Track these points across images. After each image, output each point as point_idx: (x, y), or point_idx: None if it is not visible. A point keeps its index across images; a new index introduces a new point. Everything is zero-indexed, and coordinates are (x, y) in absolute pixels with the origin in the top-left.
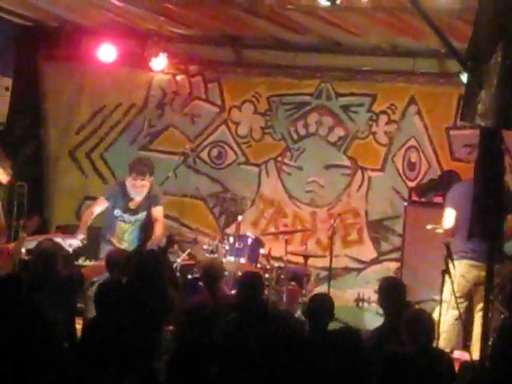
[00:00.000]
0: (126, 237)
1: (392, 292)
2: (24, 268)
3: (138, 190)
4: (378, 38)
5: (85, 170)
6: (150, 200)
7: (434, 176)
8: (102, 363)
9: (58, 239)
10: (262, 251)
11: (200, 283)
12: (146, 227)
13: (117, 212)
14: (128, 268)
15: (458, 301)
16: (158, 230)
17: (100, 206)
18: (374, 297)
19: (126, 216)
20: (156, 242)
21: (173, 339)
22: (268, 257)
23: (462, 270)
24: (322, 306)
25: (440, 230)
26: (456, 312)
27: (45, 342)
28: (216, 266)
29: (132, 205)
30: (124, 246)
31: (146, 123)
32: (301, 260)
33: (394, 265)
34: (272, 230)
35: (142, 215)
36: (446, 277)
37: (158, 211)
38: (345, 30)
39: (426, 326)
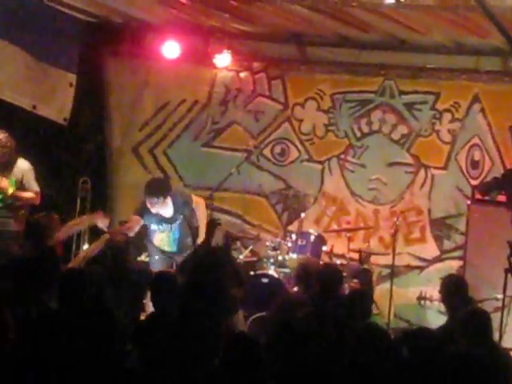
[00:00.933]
0: (165, 244)
1: (455, 290)
2: (95, 262)
3: (155, 208)
4: (442, 36)
5: (148, 166)
6: (181, 208)
7: (497, 174)
8: (159, 361)
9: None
10: (324, 248)
11: (263, 280)
12: (208, 228)
13: (153, 226)
14: (186, 266)
15: None
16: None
17: (137, 224)
18: (437, 295)
19: (162, 226)
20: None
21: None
22: (330, 254)
23: None
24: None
25: None
26: None
27: (111, 340)
28: (313, 265)
29: (161, 217)
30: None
31: (209, 120)
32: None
33: (457, 263)
34: (334, 227)
35: (177, 223)
36: None
37: (199, 211)
38: (409, 27)
39: (483, 324)
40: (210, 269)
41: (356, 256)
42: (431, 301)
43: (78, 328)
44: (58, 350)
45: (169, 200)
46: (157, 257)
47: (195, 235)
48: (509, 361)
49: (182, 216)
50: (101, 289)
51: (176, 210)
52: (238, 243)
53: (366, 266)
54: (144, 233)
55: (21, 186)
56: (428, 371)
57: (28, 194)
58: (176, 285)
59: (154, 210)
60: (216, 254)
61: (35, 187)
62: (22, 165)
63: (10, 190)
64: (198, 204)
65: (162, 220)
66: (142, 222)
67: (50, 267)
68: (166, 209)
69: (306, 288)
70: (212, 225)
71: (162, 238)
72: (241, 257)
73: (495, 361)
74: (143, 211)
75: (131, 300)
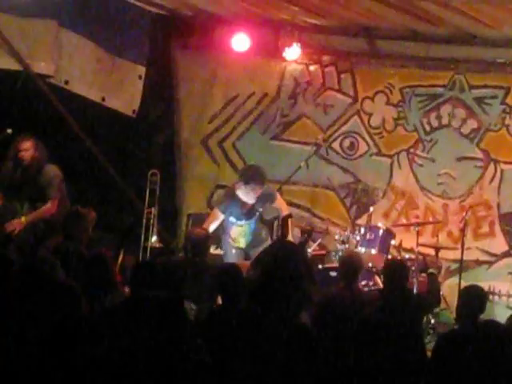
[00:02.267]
0: (240, 238)
1: None
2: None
3: (249, 196)
4: None
5: (217, 158)
6: (262, 199)
7: None
8: (226, 354)
9: None
10: (393, 242)
11: (331, 273)
12: (283, 224)
13: (231, 219)
14: (261, 260)
15: None
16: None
17: (216, 221)
18: (505, 290)
19: (241, 221)
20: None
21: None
22: (399, 248)
23: None
24: (474, 299)
25: None
26: None
27: (181, 333)
28: (356, 259)
29: (246, 209)
30: (240, 245)
31: (278, 113)
32: (432, 252)
33: None
34: (403, 221)
35: (256, 215)
36: None
37: (278, 208)
38: (479, 21)
39: None
40: (284, 264)
41: (425, 250)
42: (499, 296)
43: (148, 319)
44: (127, 341)
45: (260, 189)
46: (234, 251)
47: (271, 228)
48: None
49: (258, 212)
50: (175, 281)
51: (258, 201)
52: (306, 237)
53: (431, 270)
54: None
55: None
56: (496, 363)
57: (40, 211)
58: (241, 278)
59: (248, 198)
60: (291, 249)
61: (52, 195)
62: (49, 172)
63: (23, 220)
64: (280, 204)
65: (242, 214)
66: (222, 218)
67: (99, 273)
68: (254, 197)
69: (348, 282)
70: (286, 220)
71: (240, 232)
72: (309, 250)
73: None
74: (227, 204)
75: (207, 294)
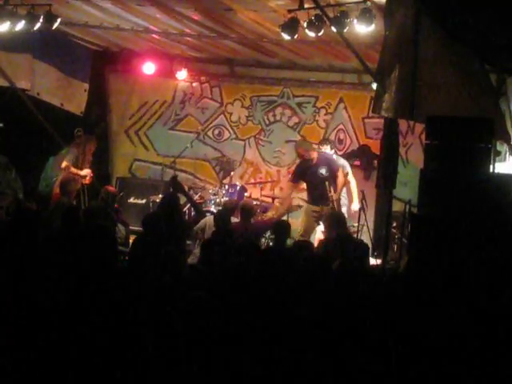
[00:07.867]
0: None
1: (335, 222)
2: None
3: None
4: (320, 60)
5: (134, 142)
6: None
7: (354, 148)
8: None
9: None
10: (246, 194)
11: (207, 214)
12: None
13: None
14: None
15: None
16: None
17: None
18: None
19: None
20: None
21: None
22: (249, 198)
23: None
24: (283, 228)
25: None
26: None
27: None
28: (250, 205)
29: None
30: None
31: (173, 113)
32: (269, 200)
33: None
34: (252, 181)
35: None
36: None
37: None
38: (299, 54)
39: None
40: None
41: (265, 199)
42: None
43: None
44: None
45: None
46: None
47: None
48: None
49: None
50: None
51: None
52: (192, 191)
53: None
54: None
55: None
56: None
57: None
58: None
59: None
60: (173, 196)
61: None
62: None
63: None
64: None
65: None
66: None
67: None
68: None
69: (244, 220)
70: (174, 180)
71: None
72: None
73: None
74: None
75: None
